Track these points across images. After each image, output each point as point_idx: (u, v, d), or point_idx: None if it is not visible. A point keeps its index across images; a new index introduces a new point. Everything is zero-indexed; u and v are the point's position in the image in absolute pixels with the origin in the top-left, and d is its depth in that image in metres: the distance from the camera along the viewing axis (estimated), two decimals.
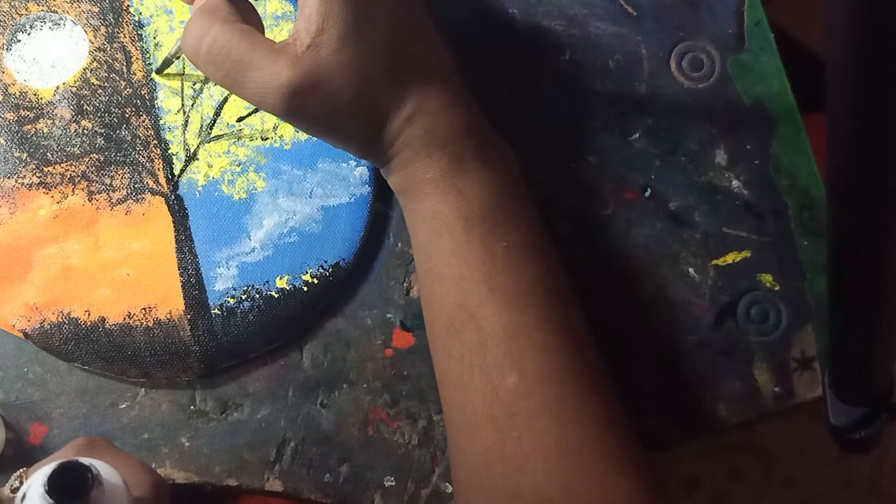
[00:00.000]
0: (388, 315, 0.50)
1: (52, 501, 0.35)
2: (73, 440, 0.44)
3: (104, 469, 0.38)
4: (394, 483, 0.48)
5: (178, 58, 0.50)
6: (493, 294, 0.42)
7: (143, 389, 0.49)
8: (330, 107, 0.42)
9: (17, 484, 0.41)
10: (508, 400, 0.42)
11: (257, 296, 0.49)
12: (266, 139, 0.50)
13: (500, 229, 0.43)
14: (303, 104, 0.42)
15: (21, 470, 0.42)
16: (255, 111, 0.51)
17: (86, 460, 0.36)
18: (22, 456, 0.48)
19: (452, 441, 0.45)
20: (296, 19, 0.51)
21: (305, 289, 0.49)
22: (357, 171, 0.50)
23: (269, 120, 0.51)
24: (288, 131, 0.50)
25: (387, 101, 0.43)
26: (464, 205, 0.43)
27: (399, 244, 0.50)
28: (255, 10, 0.45)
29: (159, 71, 0.50)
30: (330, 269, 0.49)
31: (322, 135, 0.45)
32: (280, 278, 0.49)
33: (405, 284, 0.50)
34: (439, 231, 0.43)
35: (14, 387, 0.49)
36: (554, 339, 0.43)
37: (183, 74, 0.51)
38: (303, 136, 0.50)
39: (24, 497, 0.36)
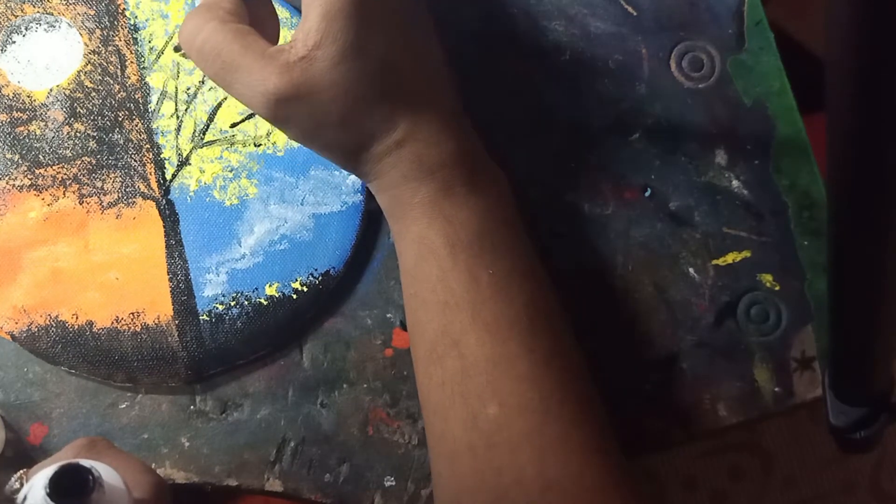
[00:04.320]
0: (388, 315, 0.50)
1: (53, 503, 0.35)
2: (74, 441, 0.44)
3: (105, 470, 0.38)
4: (394, 483, 0.48)
5: None
6: (477, 323, 0.42)
7: (142, 389, 0.49)
8: (315, 120, 0.42)
9: (17, 485, 0.41)
10: (488, 430, 0.41)
11: (246, 303, 0.49)
12: (259, 145, 0.50)
13: (486, 256, 0.43)
14: (288, 112, 0.42)
15: (21, 471, 0.42)
16: (249, 117, 0.51)
17: (86, 462, 0.36)
18: (22, 456, 0.47)
19: (433, 465, 0.44)
20: (292, 27, 0.51)
21: (294, 297, 0.49)
22: (349, 180, 0.50)
23: (263, 126, 0.50)
24: (281, 138, 0.50)
25: (376, 122, 0.43)
26: (450, 231, 0.43)
27: None
28: (269, 5, 0.45)
29: (178, 49, 0.50)
30: (320, 278, 0.49)
31: (307, 144, 0.45)
32: (269, 286, 0.49)
33: None
34: (425, 256, 0.43)
35: (14, 387, 0.49)
36: (538, 370, 0.42)
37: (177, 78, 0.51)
38: (295, 143, 0.50)
39: (24, 499, 0.36)
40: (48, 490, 0.35)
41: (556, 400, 0.42)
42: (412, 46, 0.44)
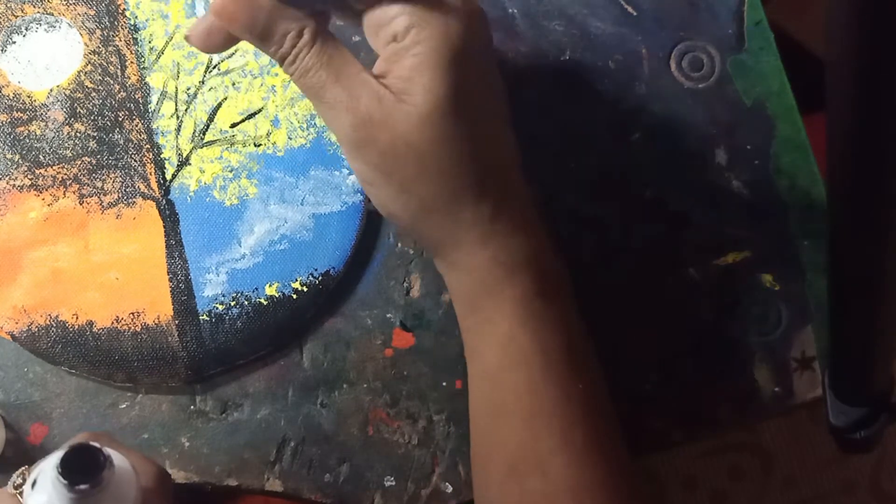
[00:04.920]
0: (388, 315, 0.50)
1: (65, 482, 0.35)
2: (76, 435, 0.43)
3: (113, 454, 0.38)
4: (394, 483, 0.48)
5: None
6: (567, 445, 0.40)
7: (142, 389, 0.49)
8: (396, 150, 0.39)
9: (19, 481, 0.41)
10: None
11: (246, 303, 0.49)
12: (259, 145, 0.50)
13: (576, 368, 0.41)
14: (370, 135, 0.39)
15: (23, 468, 0.42)
16: (249, 117, 0.50)
17: (95, 443, 0.36)
18: (22, 456, 0.48)
19: None
20: None
21: (294, 297, 0.49)
22: (349, 180, 0.50)
23: (263, 126, 0.50)
24: (281, 138, 0.50)
25: (463, 183, 0.40)
26: (545, 336, 0.40)
27: (399, 244, 0.50)
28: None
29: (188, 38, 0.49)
30: (320, 278, 0.49)
31: (382, 183, 0.40)
32: (269, 286, 0.49)
33: (405, 284, 0.50)
34: (515, 361, 0.40)
35: (14, 387, 0.49)
36: (615, 498, 0.40)
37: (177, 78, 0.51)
38: (296, 143, 0.50)
39: (34, 483, 0.36)
40: (60, 469, 0.35)
41: None
42: (502, 123, 0.42)
